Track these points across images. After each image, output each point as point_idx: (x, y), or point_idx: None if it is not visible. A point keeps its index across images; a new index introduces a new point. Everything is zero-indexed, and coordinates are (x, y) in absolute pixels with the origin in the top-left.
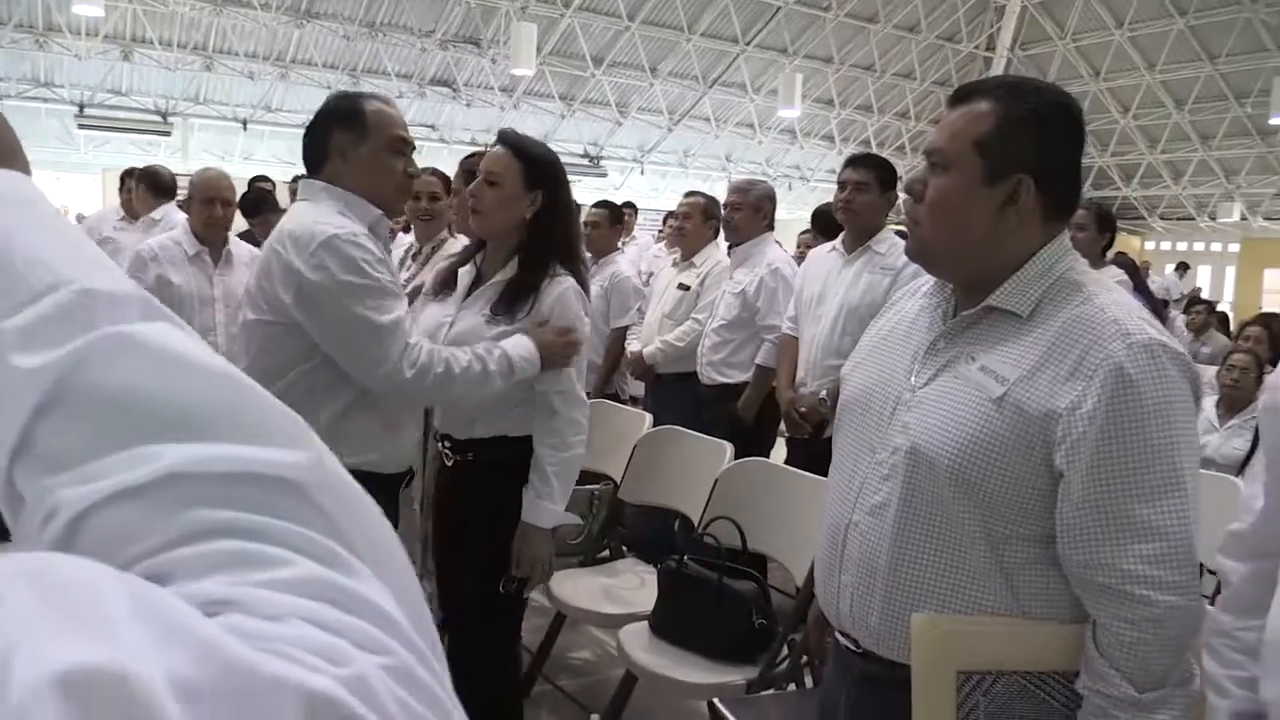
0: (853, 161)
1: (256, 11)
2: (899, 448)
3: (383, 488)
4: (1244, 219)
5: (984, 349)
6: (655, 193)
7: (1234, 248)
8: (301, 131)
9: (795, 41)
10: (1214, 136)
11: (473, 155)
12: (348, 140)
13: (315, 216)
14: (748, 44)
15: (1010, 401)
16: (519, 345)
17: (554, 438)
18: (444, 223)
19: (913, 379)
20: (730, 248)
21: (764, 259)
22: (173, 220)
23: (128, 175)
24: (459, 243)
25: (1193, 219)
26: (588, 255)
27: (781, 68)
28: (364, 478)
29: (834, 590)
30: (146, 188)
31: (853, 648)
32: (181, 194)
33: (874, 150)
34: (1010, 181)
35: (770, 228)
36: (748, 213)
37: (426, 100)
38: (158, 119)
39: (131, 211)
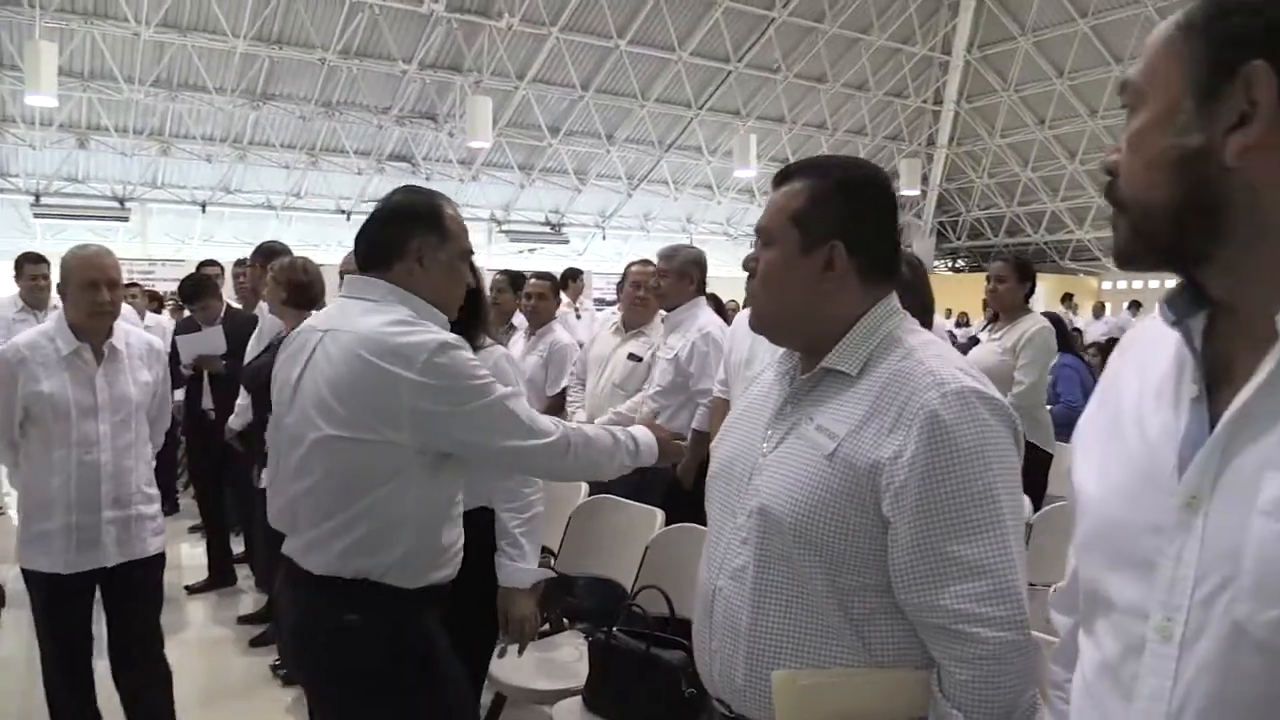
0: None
1: (212, 96)
2: (752, 511)
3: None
4: None
5: (820, 409)
6: (618, 256)
7: None
8: (261, 211)
9: (748, 103)
10: None
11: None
12: (430, 244)
13: (397, 321)
14: (700, 108)
15: (840, 456)
16: (644, 433)
17: (515, 500)
18: None
19: (764, 444)
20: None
21: (695, 324)
22: None
23: (25, 261)
24: None
25: None
26: (525, 324)
27: (735, 129)
28: (438, 590)
29: (705, 657)
30: (43, 282)
31: (725, 713)
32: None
33: None
34: (824, 249)
35: (700, 292)
36: (673, 279)
37: (386, 175)
38: (115, 205)
39: (36, 300)
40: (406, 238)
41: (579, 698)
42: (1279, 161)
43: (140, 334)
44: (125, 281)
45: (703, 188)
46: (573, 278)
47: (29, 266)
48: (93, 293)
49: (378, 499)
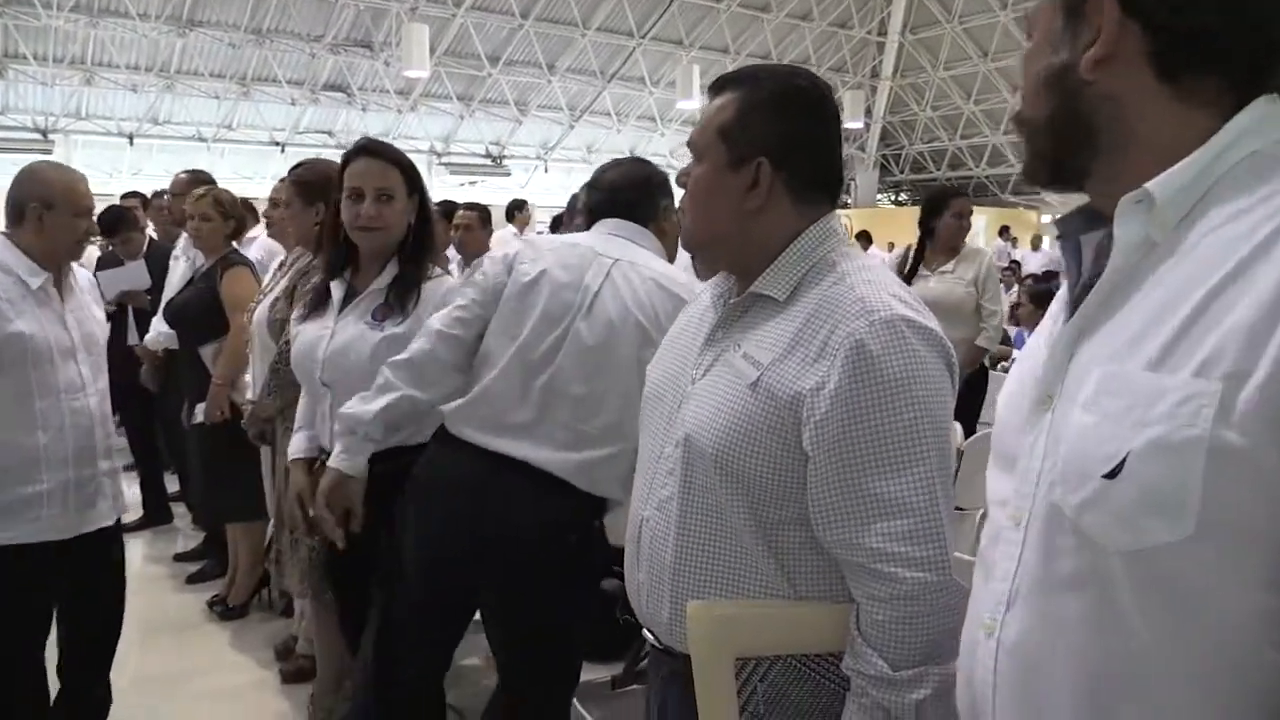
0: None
1: (135, 22)
2: (678, 441)
3: None
4: None
5: (748, 335)
6: (561, 189)
7: None
8: (192, 144)
9: (690, 33)
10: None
11: (300, 165)
12: (670, 206)
13: (672, 269)
14: (643, 37)
15: (763, 386)
16: None
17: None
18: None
19: (694, 371)
20: None
21: None
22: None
23: None
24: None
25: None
26: (458, 256)
27: (678, 60)
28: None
29: (634, 587)
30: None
31: (655, 644)
32: None
33: None
34: (751, 165)
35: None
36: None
37: (321, 106)
38: (37, 137)
39: None
40: (659, 201)
41: None
42: (1130, 73)
43: (79, 269)
44: None
45: (646, 119)
46: (518, 209)
47: None
48: (85, 220)
49: (628, 417)
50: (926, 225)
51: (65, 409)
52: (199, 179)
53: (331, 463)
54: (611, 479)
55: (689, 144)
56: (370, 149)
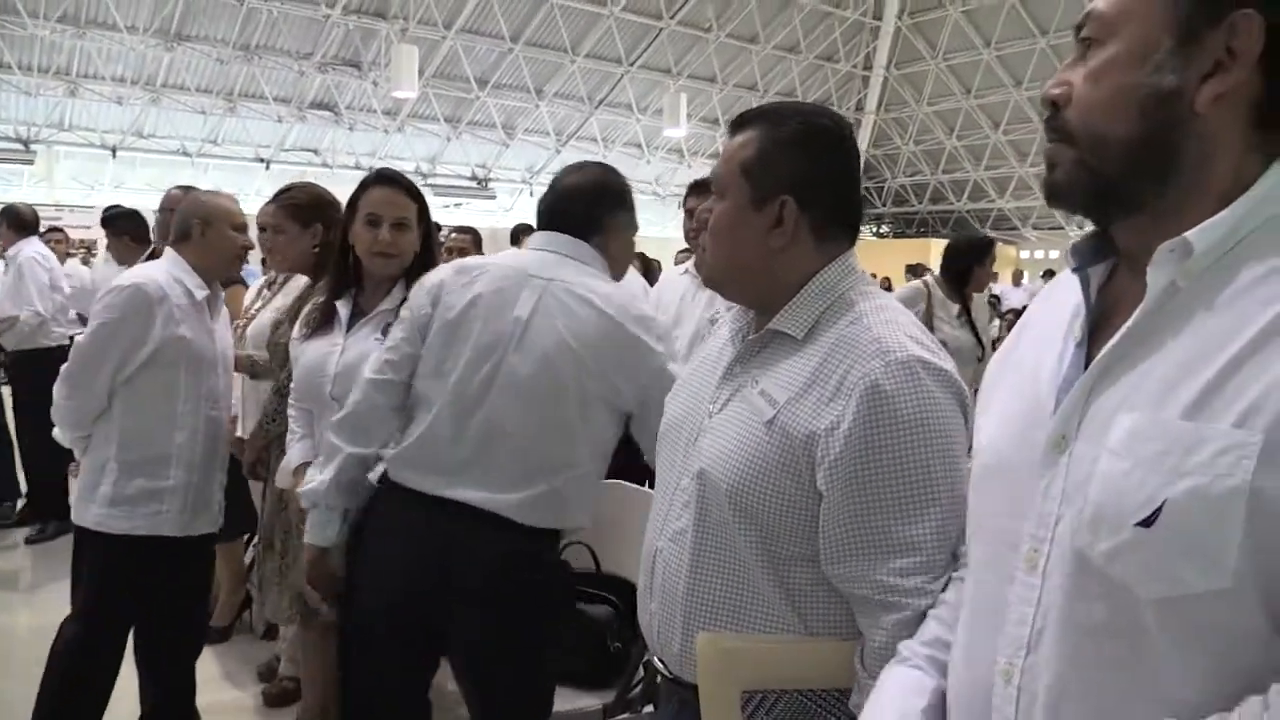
0: (697, 188)
1: (123, 34)
2: (694, 474)
3: None
4: None
5: (766, 372)
6: None
7: None
8: (176, 158)
9: (679, 62)
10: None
11: (289, 189)
12: (622, 222)
13: (618, 290)
14: (632, 65)
15: (778, 425)
16: None
17: None
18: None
19: (711, 405)
20: None
21: None
22: (36, 251)
23: None
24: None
25: (1062, 229)
26: None
27: (666, 88)
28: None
29: (646, 617)
30: (8, 226)
31: (665, 673)
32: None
33: None
34: (775, 203)
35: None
36: None
37: (308, 124)
38: (19, 147)
39: None
40: (604, 212)
41: None
42: (1240, 117)
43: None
44: (44, 228)
45: (632, 146)
46: (524, 232)
47: None
48: (241, 235)
49: (581, 454)
50: (963, 270)
51: (203, 415)
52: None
53: (306, 539)
54: (558, 511)
55: (711, 178)
56: (389, 178)
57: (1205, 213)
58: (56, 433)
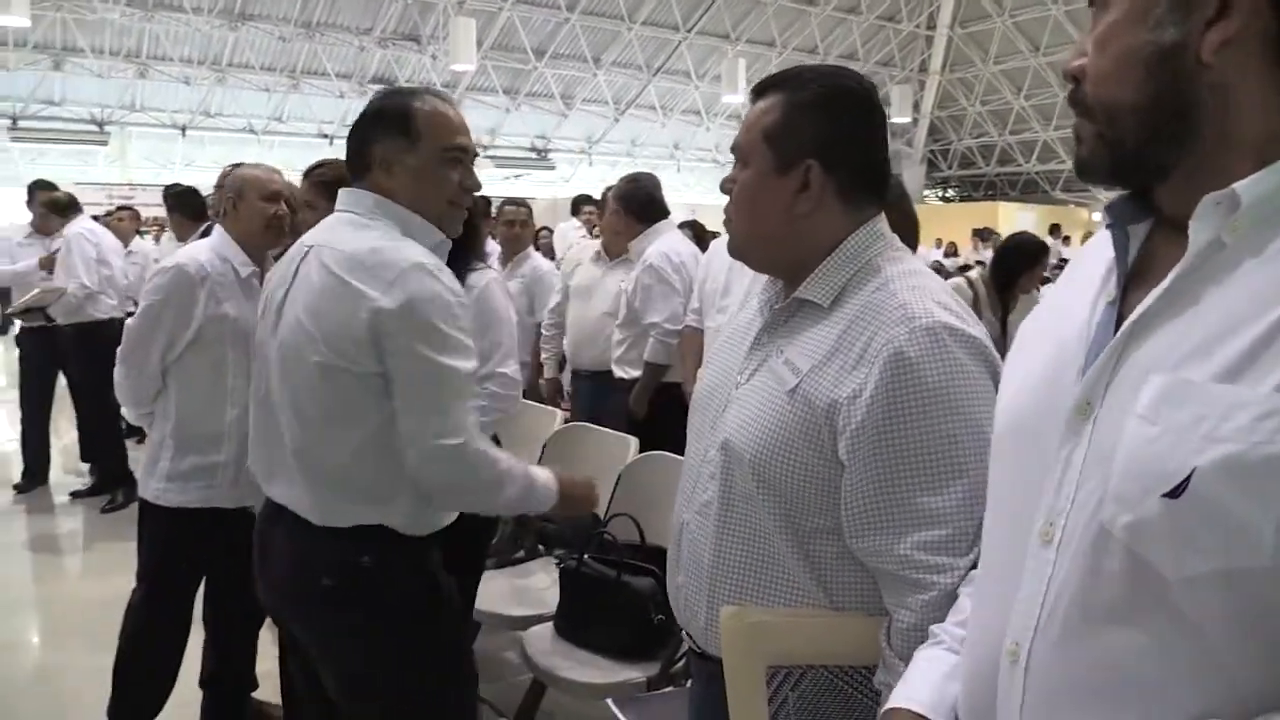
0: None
1: (189, 15)
2: (720, 445)
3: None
4: None
5: (792, 341)
6: (604, 184)
7: None
8: (243, 136)
9: (737, 27)
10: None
11: (320, 165)
12: (396, 147)
13: (379, 237)
14: (689, 31)
15: (800, 393)
16: (543, 476)
17: None
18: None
19: (739, 376)
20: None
21: (642, 257)
22: (85, 228)
23: (37, 188)
24: None
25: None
26: (499, 252)
27: (724, 54)
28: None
29: (674, 590)
30: (48, 210)
31: (694, 647)
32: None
33: None
34: (800, 168)
35: (649, 220)
36: (610, 218)
37: (368, 99)
38: (93, 128)
39: (45, 227)
40: (369, 143)
41: (550, 624)
42: (1255, 61)
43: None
44: (111, 205)
45: (691, 113)
46: (584, 203)
47: (41, 193)
48: (272, 204)
49: (375, 439)
50: (1010, 272)
51: (253, 392)
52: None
53: None
54: (356, 506)
55: (733, 148)
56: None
57: (1245, 166)
58: (126, 412)
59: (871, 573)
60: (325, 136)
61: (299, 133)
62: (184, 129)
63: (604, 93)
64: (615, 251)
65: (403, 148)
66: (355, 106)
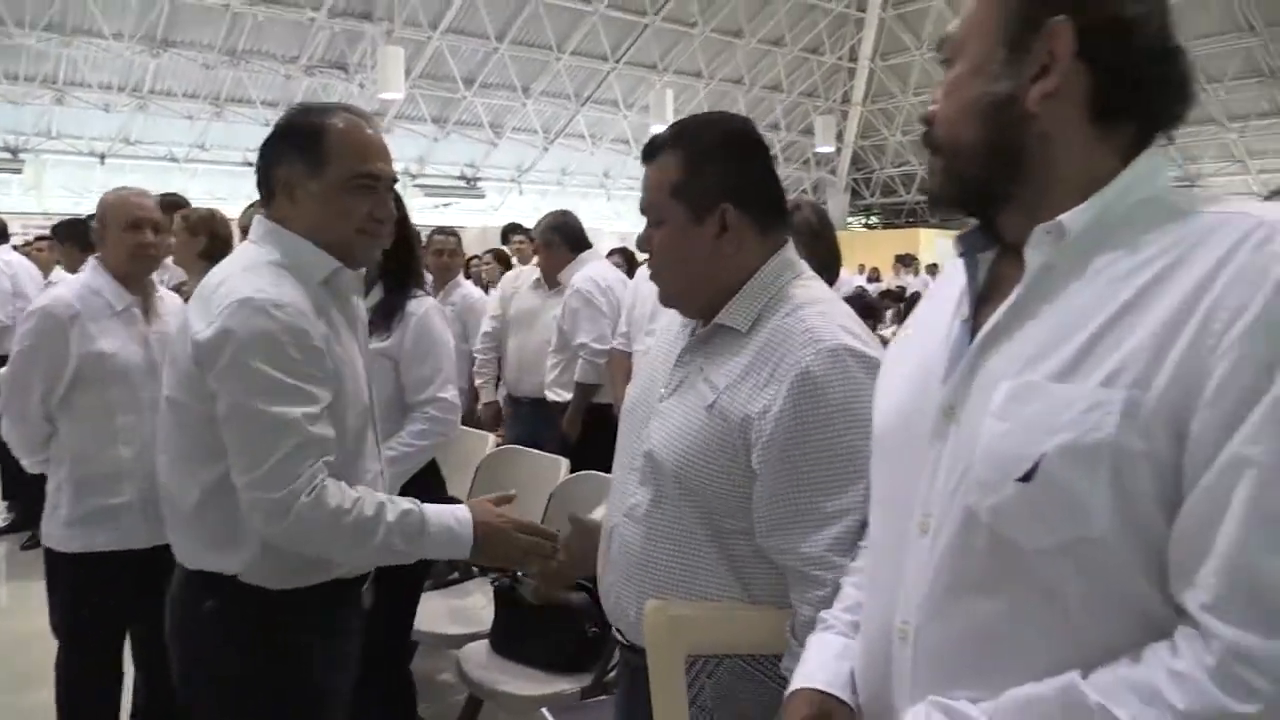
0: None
1: (108, 41)
2: (645, 454)
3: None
4: None
5: (711, 362)
6: (535, 212)
7: None
8: (164, 164)
9: (664, 58)
10: None
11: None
12: (297, 172)
13: (242, 267)
14: (617, 61)
15: (718, 408)
16: (447, 519)
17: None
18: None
19: (662, 389)
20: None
21: (570, 283)
22: (1, 260)
23: None
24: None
25: None
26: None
27: (652, 84)
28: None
29: (605, 589)
30: (75, 246)
31: (623, 641)
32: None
33: None
34: (715, 213)
35: (576, 249)
36: (542, 250)
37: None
38: (6, 155)
39: None
40: (272, 166)
41: (485, 641)
42: (1071, 113)
43: (166, 291)
44: (27, 235)
45: (620, 142)
46: (513, 232)
47: None
48: (135, 234)
49: (224, 482)
50: None
51: (148, 426)
52: (174, 202)
53: None
54: (196, 548)
55: (642, 210)
56: None
57: (1070, 201)
58: (21, 460)
59: (779, 569)
60: (249, 165)
61: (223, 160)
62: (103, 157)
63: (533, 122)
64: (554, 282)
65: (306, 173)
66: None
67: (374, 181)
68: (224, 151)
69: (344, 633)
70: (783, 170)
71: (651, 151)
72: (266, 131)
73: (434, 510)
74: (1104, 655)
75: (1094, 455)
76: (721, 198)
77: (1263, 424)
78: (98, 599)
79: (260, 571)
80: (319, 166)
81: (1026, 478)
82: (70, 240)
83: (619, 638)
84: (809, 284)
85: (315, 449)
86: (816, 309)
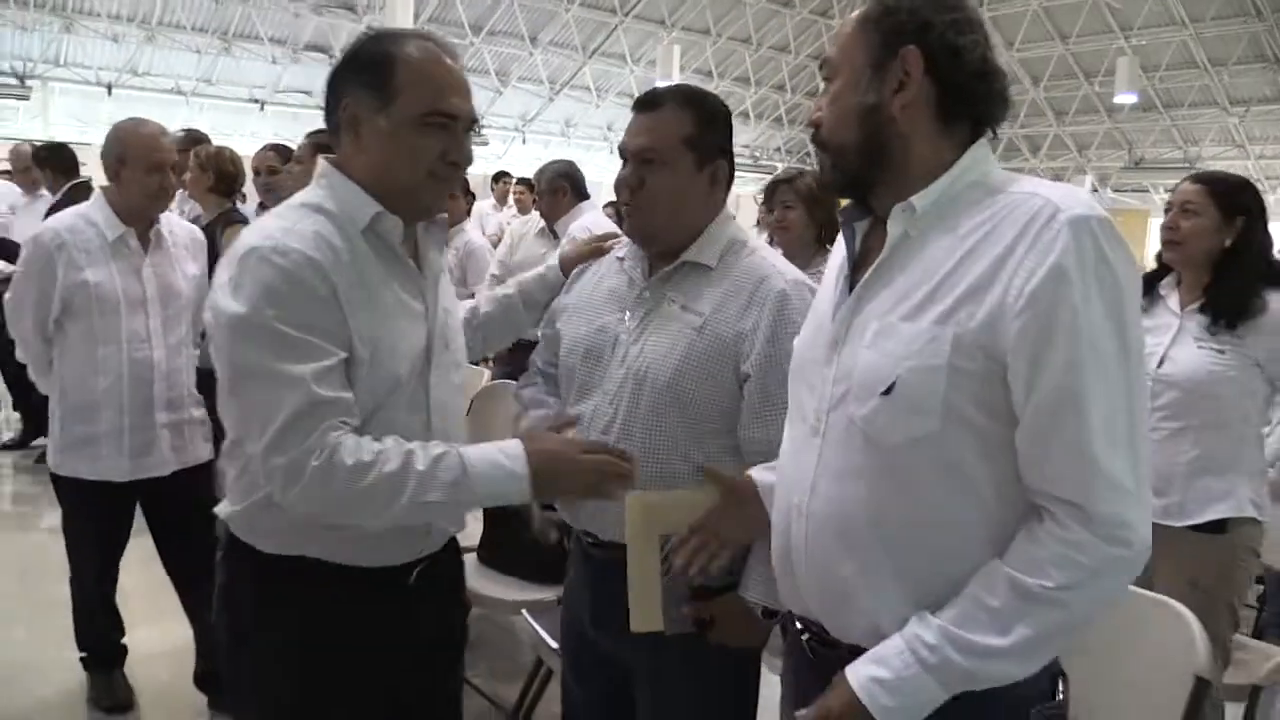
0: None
1: None
2: (623, 377)
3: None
4: (1095, 190)
5: (685, 294)
6: (538, 161)
7: None
8: (171, 97)
9: (673, 13)
10: (1067, 113)
11: (319, 132)
12: (365, 105)
13: (277, 211)
14: (626, 14)
15: (709, 329)
16: (491, 448)
17: None
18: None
19: (627, 322)
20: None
21: (569, 231)
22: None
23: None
24: None
25: None
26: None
27: (660, 39)
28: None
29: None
30: (54, 170)
31: (592, 541)
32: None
33: (752, 122)
34: (711, 166)
35: (579, 198)
36: (546, 197)
37: (302, 66)
38: (14, 82)
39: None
40: (338, 99)
41: (474, 554)
42: (922, 117)
43: (183, 223)
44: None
45: (625, 96)
46: (496, 180)
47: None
48: (158, 176)
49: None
50: None
51: (126, 357)
52: (195, 138)
53: None
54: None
55: (640, 150)
56: None
57: (923, 183)
58: (37, 382)
59: (745, 457)
60: (256, 101)
61: (229, 97)
62: (110, 87)
63: (539, 72)
64: (554, 232)
65: (374, 107)
66: (288, 72)
67: (450, 120)
68: (230, 87)
69: (358, 629)
70: (787, 132)
71: (654, 103)
72: (274, 69)
73: (474, 449)
74: (944, 523)
75: (933, 374)
76: (720, 154)
77: (1059, 351)
78: (82, 523)
79: (258, 533)
80: (388, 100)
81: (888, 392)
82: (50, 165)
83: (587, 539)
84: (752, 234)
85: (328, 409)
86: (767, 252)
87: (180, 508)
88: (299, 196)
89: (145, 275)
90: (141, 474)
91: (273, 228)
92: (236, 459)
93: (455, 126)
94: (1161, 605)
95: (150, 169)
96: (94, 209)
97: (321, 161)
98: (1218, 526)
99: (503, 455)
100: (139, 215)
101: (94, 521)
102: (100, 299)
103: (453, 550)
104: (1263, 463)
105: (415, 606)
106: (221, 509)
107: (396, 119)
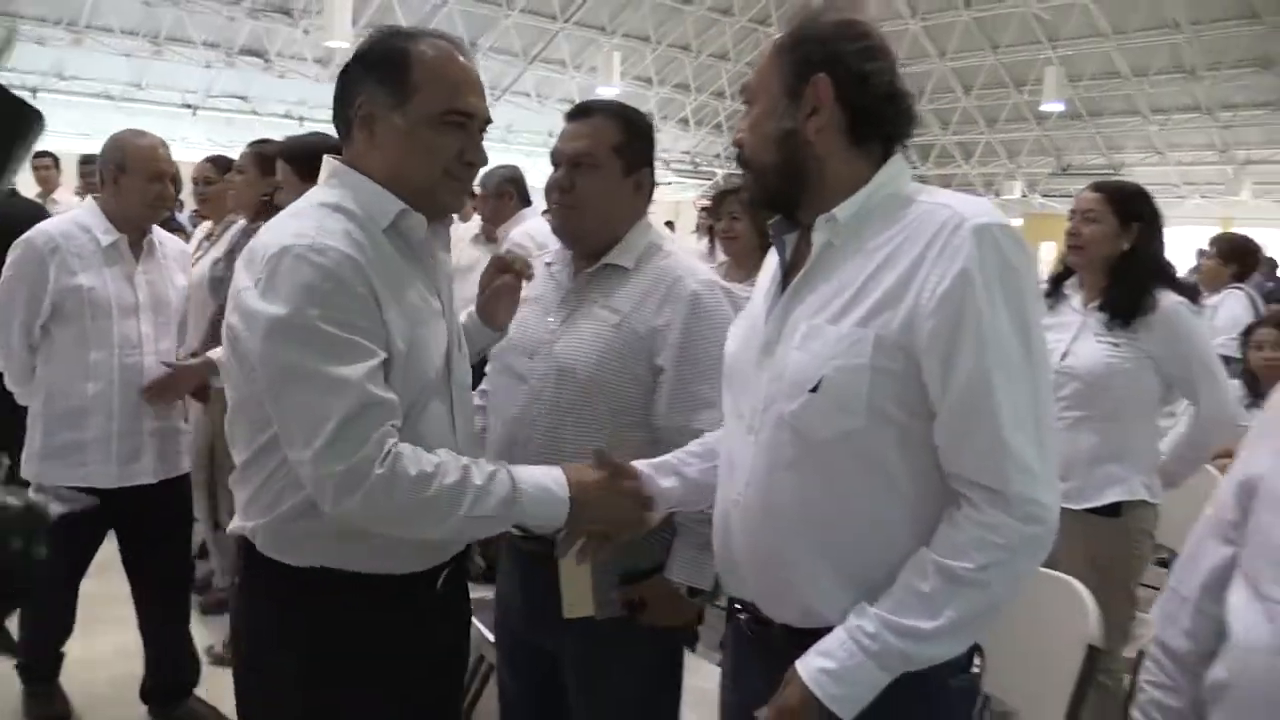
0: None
1: None
2: (547, 371)
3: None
4: (1025, 196)
5: (605, 294)
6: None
7: (1017, 222)
8: (99, 102)
9: (614, 20)
10: (998, 120)
11: (261, 141)
12: (380, 102)
13: (292, 211)
14: (567, 21)
15: (626, 326)
16: (540, 472)
17: None
18: (225, 204)
19: (551, 321)
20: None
21: (510, 236)
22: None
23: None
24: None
25: (981, 195)
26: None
27: (601, 46)
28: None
29: None
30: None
31: (521, 534)
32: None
33: (692, 128)
34: (639, 173)
35: (524, 203)
36: (493, 201)
37: (237, 70)
38: None
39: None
40: (351, 96)
41: None
42: (835, 138)
43: (172, 237)
44: None
45: (566, 103)
46: None
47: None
48: (158, 185)
49: (268, 447)
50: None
51: (117, 363)
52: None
53: None
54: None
55: (566, 156)
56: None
57: (842, 198)
58: (13, 390)
59: (667, 445)
60: (189, 107)
61: (161, 101)
62: (35, 90)
63: (480, 77)
64: (494, 236)
65: (389, 105)
66: (222, 77)
67: (467, 119)
68: (162, 92)
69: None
70: (726, 138)
71: (587, 112)
72: (208, 74)
73: (524, 470)
74: (867, 511)
75: (857, 373)
76: (644, 164)
77: (968, 349)
78: (67, 535)
79: (279, 544)
80: (405, 98)
81: (815, 389)
82: None
83: (516, 533)
84: (669, 238)
85: (380, 411)
86: (682, 256)
87: (159, 520)
88: (313, 196)
89: (138, 282)
90: (128, 481)
91: (300, 227)
92: (250, 479)
93: (471, 125)
94: (1058, 581)
95: (152, 177)
96: (87, 215)
97: (331, 160)
98: (1114, 510)
99: (550, 480)
100: (134, 222)
101: (68, 532)
102: (93, 303)
103: (463, 557)
104: (1156, 450)
105: (433, 614)
106: (237, 525)
107: (413, 117)
